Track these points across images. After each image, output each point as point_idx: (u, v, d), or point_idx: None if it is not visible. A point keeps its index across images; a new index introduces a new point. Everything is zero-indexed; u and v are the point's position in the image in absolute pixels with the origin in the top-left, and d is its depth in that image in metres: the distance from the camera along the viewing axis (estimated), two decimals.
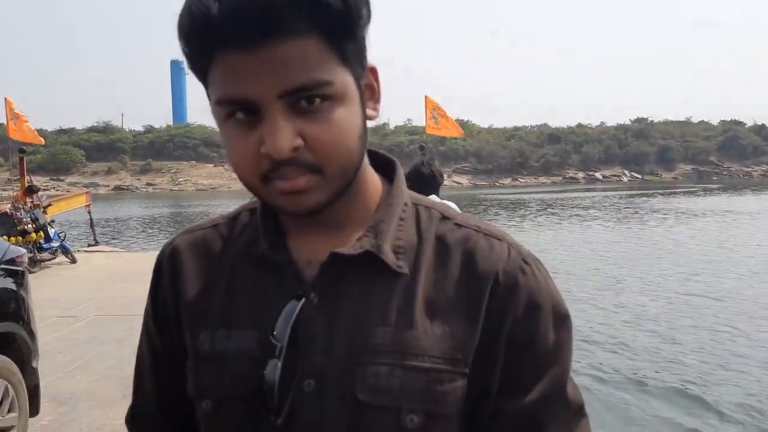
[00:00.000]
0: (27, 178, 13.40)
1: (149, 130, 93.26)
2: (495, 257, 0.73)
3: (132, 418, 0.91)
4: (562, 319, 0.75)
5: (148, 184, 79.74)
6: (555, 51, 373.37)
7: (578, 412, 0.75)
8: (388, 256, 0.72)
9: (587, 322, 8.39)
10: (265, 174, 0.65)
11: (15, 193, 12.56)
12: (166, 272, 0.83)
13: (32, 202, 12.14)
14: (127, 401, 3.76)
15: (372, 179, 0.77)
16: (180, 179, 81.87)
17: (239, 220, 0.82)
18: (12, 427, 3.51)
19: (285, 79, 0.61)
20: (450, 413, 0.69)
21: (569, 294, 9.93)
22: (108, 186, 70.94)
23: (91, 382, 5.21)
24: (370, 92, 0.71)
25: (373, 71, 0.72)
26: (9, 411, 3.50)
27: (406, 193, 0.78)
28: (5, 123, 13.17)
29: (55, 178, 72.00)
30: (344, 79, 0.65)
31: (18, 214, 11.23)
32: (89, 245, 15.15)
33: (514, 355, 0.71)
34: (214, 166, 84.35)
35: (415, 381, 0.68)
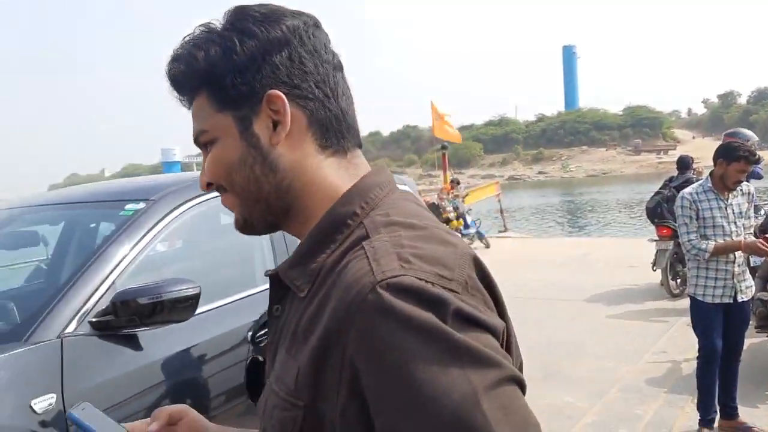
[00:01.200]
0: (449, 172, 14.96)
1: (541, 118, 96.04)
2: (344, 284, 0.67)
3: None
4: (425, 355, 0.60)
5: (540, 173, 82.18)
6: None
7: None
8: (291, 280, 0.77)
9: None
10: None
11: (443, 186, 14.09)
12: None
13: (453, 192, 13.44)
14: (547, 382, 3.81)
15: (325, 201, 0.79)
16: (571, 166, 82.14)
17: None
18: None
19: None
20: None
21: None
22: (502, 176, 75.39)
23: None
24: (275, 118, 0.77)
25: (276, 98, 0.77)
26: None
27: (348, 212, 0.76)
28: (429, 124, 14.84)
29: (458, 171, 79.78)
30: (218, 123, 0.79)
31: (443, 204, 12.58)
32: (500, 231, 16.12)
33: (363, 399, 0.63)
34: (606, 149, 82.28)
35: (270, 403, 0.74)
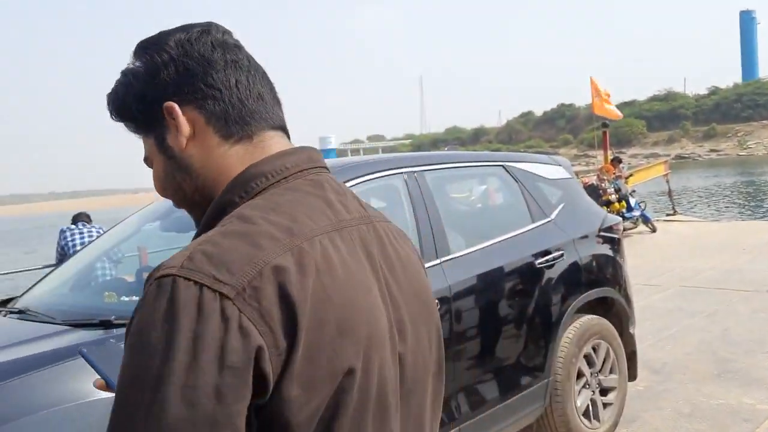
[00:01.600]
0: (610, 151, 14.13)
1: (713, 91, 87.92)
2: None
3: None
4: (136, 347, 0.67)
5: (711, 150, 75.50)
6: None
7: None
8: None
9: None
10: None
11: (603, 166, 13.32)
12: None
13: (615, 173, 12.68)
14: (721, 381, 3.20)
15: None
16: (749, 142, 74.51)
17: None
18: (614, 387, 3.69)
19: None
20: None
21: None
22: (668, 155, 69.94)
23: (683, 355, 5.08)
24: (176, 128, 0.85)
25: (170, 109, 0.85)
26: (611, 372, 3.68)
27: (228, 201, 0.82)
28: (589, 101, 14.10)
29: (618, 150, 75.28)
30: (149, 146, 0.90)
31: (603, 185, 11.91)
32: (668, 215, 14.99)
33: None
34: None
35: None
